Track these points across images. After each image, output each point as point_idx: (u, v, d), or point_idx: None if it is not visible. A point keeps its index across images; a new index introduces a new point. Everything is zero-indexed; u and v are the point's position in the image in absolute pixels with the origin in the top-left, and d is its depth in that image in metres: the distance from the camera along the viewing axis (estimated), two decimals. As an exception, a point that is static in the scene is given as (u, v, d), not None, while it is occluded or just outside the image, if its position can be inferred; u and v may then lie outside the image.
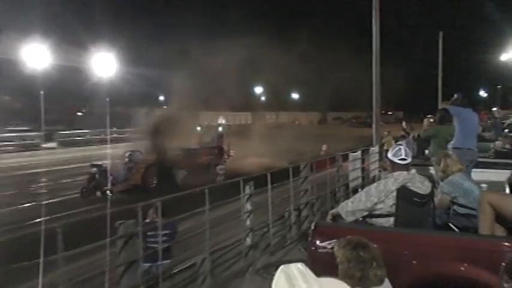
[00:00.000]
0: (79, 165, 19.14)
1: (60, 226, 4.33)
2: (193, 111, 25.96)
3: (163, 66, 31.67)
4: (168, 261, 6.54)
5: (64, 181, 16.99)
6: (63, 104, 47.96)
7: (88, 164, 18.38)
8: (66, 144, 37.19)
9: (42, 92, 30.30)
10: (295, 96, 78.84)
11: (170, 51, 33.63)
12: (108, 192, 16.14)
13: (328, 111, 79.90)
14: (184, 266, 6.81)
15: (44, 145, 35.10)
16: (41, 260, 3.99)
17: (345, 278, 2.70)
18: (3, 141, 36.37)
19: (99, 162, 18.29)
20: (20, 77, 40.80)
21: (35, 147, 34.84)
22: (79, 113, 51.51)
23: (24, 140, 37.70)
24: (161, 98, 36.02)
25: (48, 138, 37.61)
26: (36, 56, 31.25)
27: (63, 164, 17.90)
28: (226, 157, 22.08)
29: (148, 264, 6.22)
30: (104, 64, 31.12)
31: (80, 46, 37.59)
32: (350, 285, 2.52)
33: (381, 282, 2.80)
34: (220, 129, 23.08)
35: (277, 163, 18.54)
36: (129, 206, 5.61)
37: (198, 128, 23.52)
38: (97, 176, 16.82)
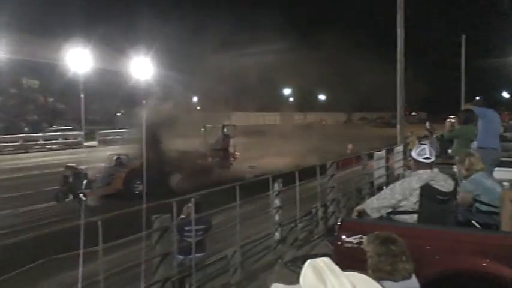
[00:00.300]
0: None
1: (99, 219, 4.60)
2: (221, 112, 25.80)
3: (198, 69, 32.02)
4: (201, 254, 6.67)
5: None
6: (103, 105, 49.01)
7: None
8: (106, 142, 37.56)
9: (82, 96, 31.22)
10: (322, 97, 79.28)
11: (204, 55, 33.98)
12: (81, 196, 15.17)
13: (354, 112, 79.31)
14: (216, 258, 7.01)
15: (86, 143, 36.23)
16: (81, 251, 4.25)
17: (374, 271, 2.79)
18: (48, 140, 37.75)
19: (74, 165, 17.37)
20: (63, 79, 42.00)
21: (77, 145, 35.83)
22: (118, 114, 52.58)
23: (66, 139, 38.90)
24: (195, 99, 36.44)
25: (89, 137, 38.70)
26: (79, 60, 31.98)
27: (104, 161, 18.07)
28: (232, 159, 21.45)
29: (182, 257, 6.37)
30: (142, 67, 31.68)
31: (119, 51, 38.50)
32: (379, 278, 2.68)
33: (410, 275, 2.85)
34: (225, 130, 21.86)
35: (304, 161, 18.17)
36: (166, 201, 5.75)
37: (202, 129, 22.64)
38: (70, 178, 15.98)
